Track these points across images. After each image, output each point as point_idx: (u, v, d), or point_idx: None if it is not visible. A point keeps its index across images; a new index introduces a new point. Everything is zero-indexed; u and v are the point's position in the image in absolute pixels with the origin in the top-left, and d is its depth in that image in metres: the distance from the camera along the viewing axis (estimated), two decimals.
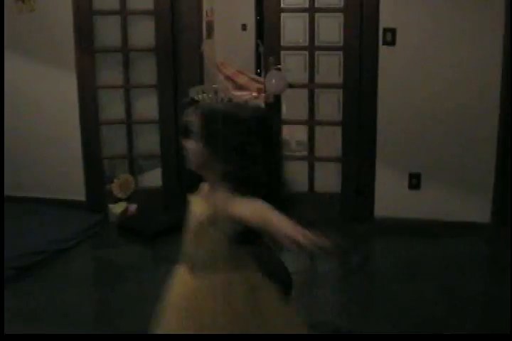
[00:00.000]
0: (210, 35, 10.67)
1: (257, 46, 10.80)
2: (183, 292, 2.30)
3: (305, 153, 5.18)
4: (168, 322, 2.30)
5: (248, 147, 2.05)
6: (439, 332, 3.39)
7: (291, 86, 4.95)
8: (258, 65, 10.65)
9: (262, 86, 7.32)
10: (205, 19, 10.39)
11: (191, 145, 2.15)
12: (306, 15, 4.89)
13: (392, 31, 4.69)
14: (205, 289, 2.21)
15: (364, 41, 4.78)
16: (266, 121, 2.15)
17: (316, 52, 4.94)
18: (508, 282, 3.88)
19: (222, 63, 8.59)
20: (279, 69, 4.83)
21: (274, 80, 4.85)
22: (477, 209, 4.83)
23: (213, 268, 2.18)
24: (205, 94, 7.12)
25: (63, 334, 3.41)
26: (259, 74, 9.38)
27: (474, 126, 4.75)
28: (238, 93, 7.83)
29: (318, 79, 4.99)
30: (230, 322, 2.16)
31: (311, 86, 5.01)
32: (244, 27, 11.00)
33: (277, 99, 4.98)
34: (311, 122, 5.09)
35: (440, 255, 4.46)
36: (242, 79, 8.28)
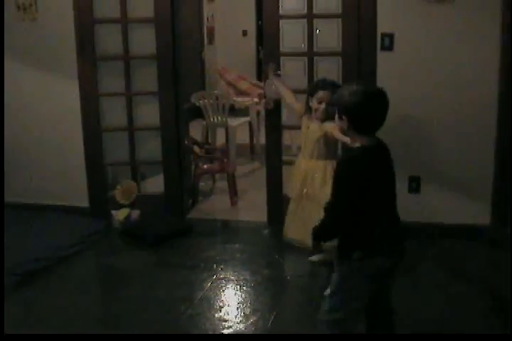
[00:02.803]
0: (211, 41, 10.78)
1: (258, 52, 10.87)
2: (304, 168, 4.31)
3: None
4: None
5: None
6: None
7: None
8: (259, 71, 10.72)
9: (263, 91, 7.38)
10: (206, 25, 10.52)
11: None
12: (305, 21, 4.94)
13: (390, 36, 4.73)
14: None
15: (362, 46, 4.81)
16: None
17: (315, 58, 4.98)
18: (509, 282, 3.93)
19: (224, 69, 8.64)
20: (279, 75, 4.87)
21: (273, 86, 4.89)
22: (477, 212, 4.87)
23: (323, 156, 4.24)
24: (206, 100, 7.18)
25: (63, 334, 3.46)
26: (260, 80, 9.44)
27: (473, 129, 4.78)
28: (240, 99, 7.88)
29: None
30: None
31: None
32: (244, 33, 11.09)
33: (277, 104, 5.01)
34: None
35: (440, 257, 4.50)
36: (243, 85, 8.33)
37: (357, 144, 2.79)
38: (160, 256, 4.72)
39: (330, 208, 2.74)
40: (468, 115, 4.77)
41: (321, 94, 4.15)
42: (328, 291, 2.90)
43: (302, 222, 4.28)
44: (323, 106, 4.13)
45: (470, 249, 4.65)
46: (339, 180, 2.72)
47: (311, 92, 4.24)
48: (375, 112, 2.75)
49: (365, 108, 2.73)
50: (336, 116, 2.84)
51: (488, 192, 4.82)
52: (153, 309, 3.85)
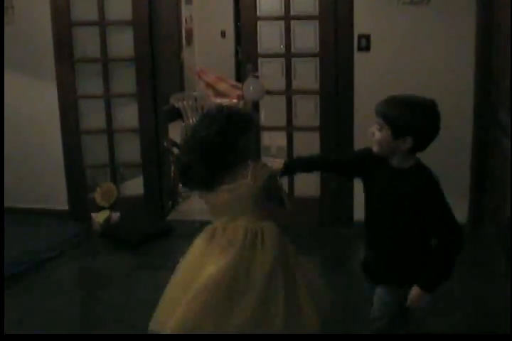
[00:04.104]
0: (189, 42, 10.77)
1: (237, 52, 10.87)
2: None
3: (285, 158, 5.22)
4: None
5: None
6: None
7: (268, 92, 5.02)
8: (238, 71, 10.72)
9: (241, 92, 7.39)
10: (184, 27, 10.51)
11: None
12: (282, 22, 4.97)
13: (367, 37, 4.78)
14: None
15: (339, 47, 4.86)
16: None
17: (293, 59, 5.02)
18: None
19: (202, 70, 8.64)
20: (257, 77, 4.90)
21: (251, 87, 4.92)
22: (455, 210, 4.90)
23: None
24: (185, 102, 7.19)
25: (63, 334, 3.46)
26: (239, 81, 9.45)
27: (450, 129, 4.75)
28: (219, 100, 7.88)
29: (296, 85, 5.06)
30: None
31: (289, 92, 5.08)
32: (223, 34, 11.07)
33: (255, 105, 5.04)
34: (289, 128, 5.16)
35: None
36: (222, 86, 8.32)
37: (409, 163, 2.66)
38: (140, 258, 4.73)
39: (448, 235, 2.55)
40: (445, 115, 4.79)
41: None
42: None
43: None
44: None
45: None
46: (441, 199, 2.62)
47: None
48: (439, 130, 2.68)
49: (435, 127, 2.66)
50: (389, 135, 2.56)
51: (466, 191, 4.88)
52: (133, 311, 3.86)
